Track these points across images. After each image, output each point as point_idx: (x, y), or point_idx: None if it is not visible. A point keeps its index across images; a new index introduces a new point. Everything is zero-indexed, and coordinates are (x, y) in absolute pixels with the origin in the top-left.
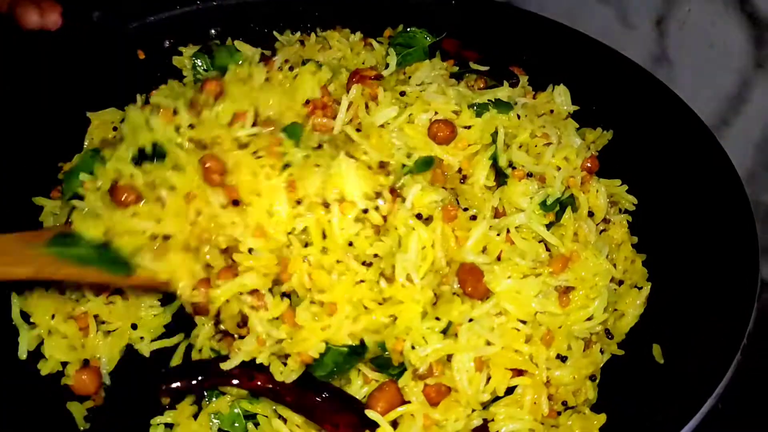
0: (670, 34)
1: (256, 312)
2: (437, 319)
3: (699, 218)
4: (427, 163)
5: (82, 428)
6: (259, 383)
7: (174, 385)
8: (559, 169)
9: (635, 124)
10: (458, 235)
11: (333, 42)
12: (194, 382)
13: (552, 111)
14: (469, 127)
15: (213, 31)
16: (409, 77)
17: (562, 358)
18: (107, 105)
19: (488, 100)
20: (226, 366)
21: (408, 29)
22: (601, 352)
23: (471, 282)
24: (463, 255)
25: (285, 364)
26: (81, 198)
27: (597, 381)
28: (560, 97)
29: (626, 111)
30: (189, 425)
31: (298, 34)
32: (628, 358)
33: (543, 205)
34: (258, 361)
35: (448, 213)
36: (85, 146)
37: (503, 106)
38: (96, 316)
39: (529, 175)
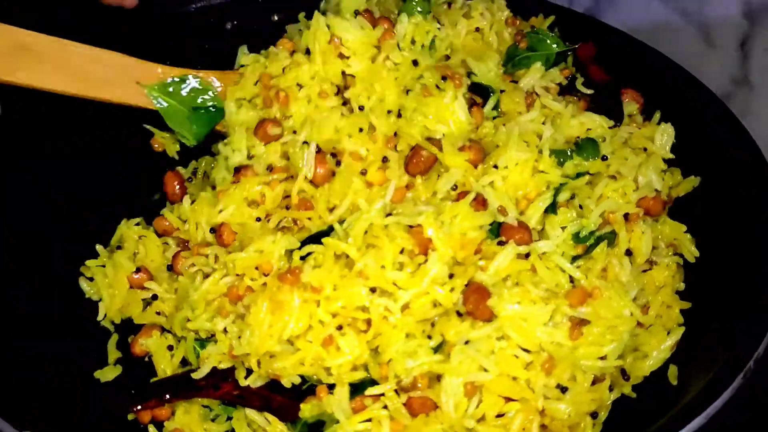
0: (753, 56)
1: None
2: (429, 337)
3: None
4: None
5: None
6: (225, 391)
7: (141, 407)
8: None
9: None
10: (483, 266)
11: (475, 13)
12: (166, 397)
13: (645, 149)
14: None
15: (275, 17)
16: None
17: (563, 389)
18: None
19: (576, 140)
20: (197, 375)
21: (538, 31)
22: (611, 389)
23: (474, 300)
24: (481, 278)
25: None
26: None
27: (601, 419)
28: (661, 138)
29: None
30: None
31: None
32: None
33: (576, 236)
34: (221, 367)
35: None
36: None
37: (590, 148)
38: None
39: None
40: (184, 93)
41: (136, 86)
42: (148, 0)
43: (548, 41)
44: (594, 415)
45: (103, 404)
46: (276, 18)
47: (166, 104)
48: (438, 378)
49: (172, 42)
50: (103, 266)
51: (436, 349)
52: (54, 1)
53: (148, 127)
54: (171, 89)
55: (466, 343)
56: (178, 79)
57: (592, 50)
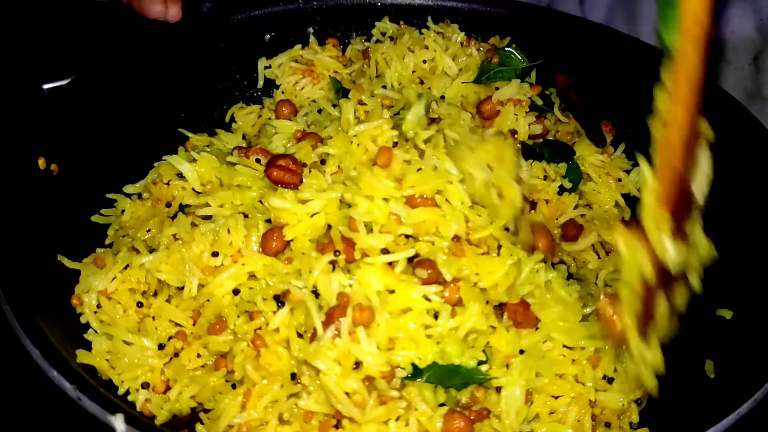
0: (766, 71)
1: None
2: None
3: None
4: None
5: None
6: None
7: None
8: None
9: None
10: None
11: (429, 41)
12: None
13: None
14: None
15: (311, 29)
16: None
17: (609, 380)
18: (204, 95)
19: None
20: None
21: (506, 48)
22: None
23: (521, 312)
24: (512, 296)
25: None
26: None
27: (643, 405)
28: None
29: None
30: None
31: (395, 26)
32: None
33: None
34: None
35: None
36: None
37: (572, 172)
38: None
39: None
40: None
41: None
42: (191, 13)
43: (513, 58)
44: (638, 401)
45: None
46: (311, 30)
47: None
48: (497, 389)
49: (214, 53)
50: None
51: (481, 363)
52: (97, 15)
53: (182, 131)
54: None
55: (521, 353)
56: None
57: (567, 80)
